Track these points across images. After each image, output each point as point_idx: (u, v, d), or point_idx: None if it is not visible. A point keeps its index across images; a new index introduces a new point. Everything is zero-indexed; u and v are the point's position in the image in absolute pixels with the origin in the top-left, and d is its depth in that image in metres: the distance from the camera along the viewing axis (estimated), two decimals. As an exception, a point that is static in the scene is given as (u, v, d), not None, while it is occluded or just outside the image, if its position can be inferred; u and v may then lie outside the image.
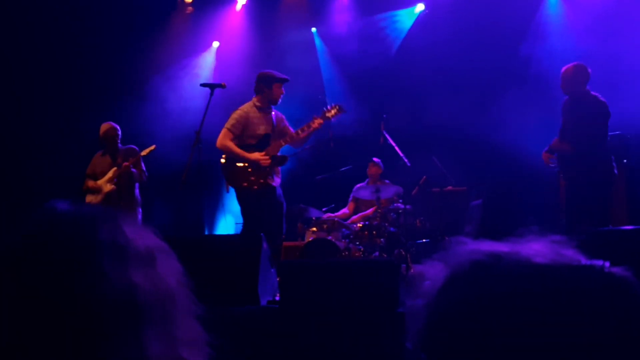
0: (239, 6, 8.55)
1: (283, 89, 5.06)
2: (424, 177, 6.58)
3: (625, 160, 5.62)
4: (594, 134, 4.60)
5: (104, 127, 5.82)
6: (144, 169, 5.83)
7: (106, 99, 7.07)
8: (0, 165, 7.01)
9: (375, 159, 6.74)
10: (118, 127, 5.88)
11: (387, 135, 6.28)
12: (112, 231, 0.72)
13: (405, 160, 6.11)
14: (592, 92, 4.71)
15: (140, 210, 5.81)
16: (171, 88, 8.02)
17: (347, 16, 8.25)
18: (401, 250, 5.87)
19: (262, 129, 5.01)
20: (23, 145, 7.16)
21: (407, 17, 8.37)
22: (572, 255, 0.65)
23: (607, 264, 0.63)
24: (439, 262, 0.73)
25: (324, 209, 6.77)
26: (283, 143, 5.03)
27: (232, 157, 4.95)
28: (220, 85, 5.02)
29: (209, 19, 8.40)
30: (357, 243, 5.91)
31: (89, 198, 5.77)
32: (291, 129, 5.12)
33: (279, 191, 5.07)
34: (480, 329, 0.62)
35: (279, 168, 5.10)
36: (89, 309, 0.65)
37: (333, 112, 5.01)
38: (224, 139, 4.93)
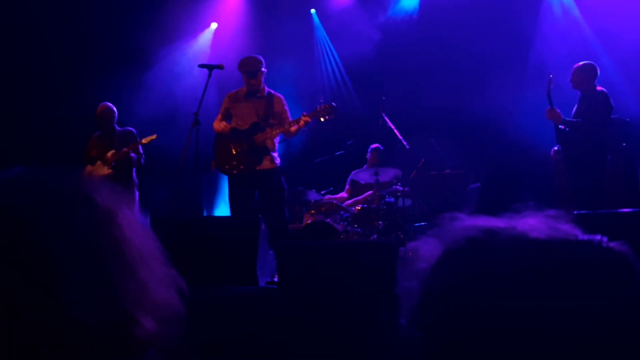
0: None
1: (255, 79, 5.00)
2: (422, 160, 6.57)
3: (624, 144, 5.62)
4: (595, 123, 4.89)
5: (100, 107, 5.79)
6: (142, 152, 5.82)
7: (103, 79, 7.02)
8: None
9: (374, 146, 6.70)
10: (114, 108, 5.84)
11: (385, 118, 6.26)
12: (76, 182, 0.72)
13: (404, 142, 6.09)
14: (598, 87, 5.04)
15: (137, 192, 5.80)
16: (169, 68, 7.97)
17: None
18: (399, 233, 5.88)
19: (250, 115, 5.00)
20: (20, 128, 7.13)
21: (408, 0, 8.29)
22: (568, 230, 0.65)
23: (605, 239, 0.62)
24: (434, 238, 0.73)
25: (322, 192, 6.77)
26: (274, 133, 4.96)
27: (219, 136, 5.01)
28: (218, 67, 4.99)
29: (207, 0, 8.31)
30: (356, 226, 5.93)
31: (86, 180, 5.77)
32: (289, 116, 5.07)
33: (273, 174, 4.99)
34: (475, 306, 0.61)
35: (272, 154, 5.02)
36: (52, 252, 0.64)
37: (323, 110, 4.94)
38: (215, 124, 5.08)
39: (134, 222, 0.74)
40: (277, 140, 5.15)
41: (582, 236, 0.63)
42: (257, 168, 4.94)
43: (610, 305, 0.58)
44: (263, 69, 5.05)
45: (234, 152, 4.96)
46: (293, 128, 4.94)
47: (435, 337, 0.63)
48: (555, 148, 5.33)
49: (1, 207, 0.66)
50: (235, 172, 4.94)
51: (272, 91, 5.15)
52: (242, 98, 5.08)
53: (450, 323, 0.62)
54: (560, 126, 5.01)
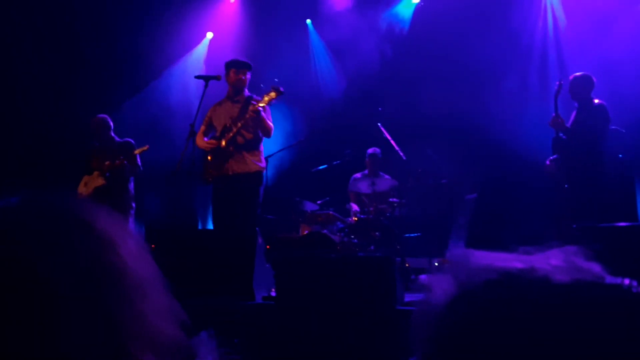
0: (233, -3, 8.47)
1: (244, 76, 4.94)
2: (419, 170, 6.56)
3: (620, 155, 5.63)
4: (594, 136, 4.97)
5: (95, 120, 5.79)
6: (139, 163, 5.78)
7: (99, 90, 6.99)
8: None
9: (371, 151, 6.68)
10: (108, 119, 5.82)
11: (382, 129, 6.26)
12: (77, 209, 0.70)
13: (401, 153, 6.08)
14: (596, 99, 5.12)
15: (134, 204, 5.76)
16: (165, 80, 7.95)
17: (342, 8, 8.18)
18: (396, 243, 5.86)
19: (225, 118, 4.93)
20: (18, 140, 7.09)
21: (403, 8, 8.31)
22: (593, 271, 0.61)
23: (635, 283, 0.59)
24: (448, 275, 0.70)
25: (318, 202, 6.74)
26: (237, 139, 4.81)
27: (206, 151, 4.91)
28: (215, 77, 4.98)
29: (203, 10, 8.31)
30: (352, 237, 5.90)
31: (80, 189, 5.73)
32: (265, 117, 4.86)
33: (244, 180, 4.82)
34: (491, 353, 0.59)
35: (246, 157, 4.86)
36: (50, 282, 0.62)
37: (267, 97, 4.76)
38: (197, 138, 4.91)
39: (133, 249, 0.72)
40: (255, 141, 4.95)
41: (609, 279, 0.60)
42: (229, 173, 4.81)
43: None
44: (249, 72, 5.02)
45: (209, 159, 4.90)
46: (253, 122, 4.75)
47: None
48: (552, 158, 5.33)
49: None
50: (210, 179, 4.86)
51: (255, 95, 5.04)
52: (222, 103, 5.07)
53: None
54: (561, 134, 5.03)
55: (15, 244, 0.64)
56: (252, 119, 4.74)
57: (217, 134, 4.95)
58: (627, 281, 0.59)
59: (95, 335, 0.63)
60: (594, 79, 5.19)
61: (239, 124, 4.80)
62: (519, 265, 0.65)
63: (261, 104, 4.73)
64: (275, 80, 4.97)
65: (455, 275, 0.69)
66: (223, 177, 4.83)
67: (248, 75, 5.03)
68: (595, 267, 0.62)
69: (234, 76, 4.95)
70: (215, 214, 4.91)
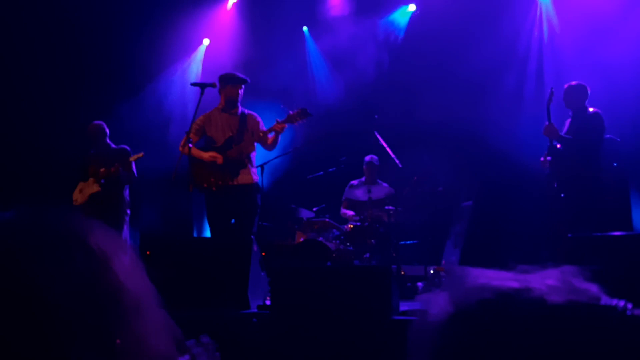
0: (229, 5, 8.48)
1: (240, 90, 5.06)
2: (415, 177, 6.57)
3: (615, 164, 5.66)
4: (588, 145, 4.98)
5: (91, 126, 5.78)
6: (134, 169, 5.77)
7: (94, 97, 6.98)
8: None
9: (368, 158, 6.68)
10: (104, 125, 5.81)
11: (378, 136, 6.27)
12: (72, 225, 0.69)
13: (397, 161, 6.09)
14: (590, 108, 5.15)
15: (128, 211, 5.74)
16: (161, 86, 7.94)
17: (338, 16, 8.21)
18: (392, 251, 5.86)
19: (225, 130, 5.03)
20: (15, 145, 7.07)
21: (399, 17, 8.34)
22: (590, 292, 0.61)
23: (630, 305, 0.59)
24: (444, 293, 0.70)
25: (314, 209, 6.74)
26: (249, 144, 4.95)
27: (192, 159, 4.92)
28: (211, 85, 4.98)
29: (199, 17, 8.32)
30: (348, 244, 5.89)
31: (75, 196, 5.70)
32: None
33: (248, 190, 4.98)
34: None
35: (250, 169, 5.03)
36: (46, 298, 0.62)
37: (297, 115, 4.93)
38: (182, 144, 4.95)
39: (127, 266, 0.72)
40: (253, 155, 5.12)
41: (604, 300, 0.60)
42: (234, 183, 4.93)
43: None
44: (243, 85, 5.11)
45: (205, 168, 4.94)
46: (270, 137, 4.94)
47: None
48: (549, 158, 5.34)
49: None
50: (214, 188, 4.91)
51: (246, 110, 5.19)
52: (216, 114, 5.11)
53: None
54: (555, 143, 5.05)
55: (10, 259, 0.63)
56: (265, 135, 4.92)
57: (218, 144, 5.00)
58: (621, 303, 0.58)
59: (91, 352, 0.63)
60: (588, 88, 5.23)
61: (252, 137, 4.93)
62: (514, 285, 0.65)
63: (286, 123, 4.89)
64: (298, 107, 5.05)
65: (452, 293, 0.69)
66: (227, 187, 4.91)
67: (242, 90, 5.13)
68: (593, 288, 0.61)
69: (232, 90, 5.03)
70: (217, 223, 4.96)
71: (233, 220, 4.98)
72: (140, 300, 0.70)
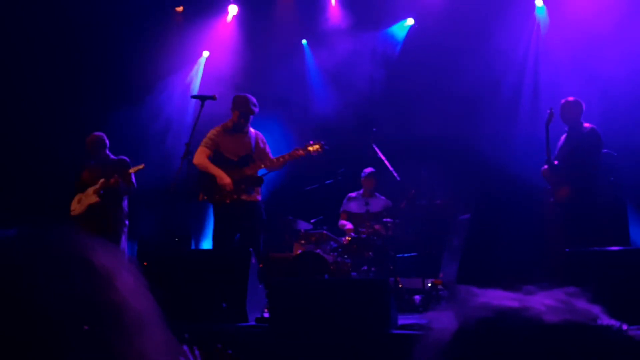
0: (229, 17, 8.54)
1: (241, 118, 5.20)
2: (413, 190, 6.58)
3: (612, 179, 5.68)
4: (586, 162, 5.08)
5: (90, 137, 5.78)
6: (134, 181, 5.77)
7: (96, 109, 7.00)
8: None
9: (367, 171, 6.69)
10: (104, 137, 5.82)
11: (376, 149, 6.29)
12: (76, 243, 0.70)
13: (395, 174, 6.11)
14: (585, 124, 5.24)
15: (127, 222, 5.74)
16: (161, 99, 7.97)
17: (337, 29, 8.26)
18: (389, 263, 5.86)
19: (240, 148, 5.21)
20: (14, 155, 7.07)
21: (397, 31, 8.40)
22: (586, 312, 0.63)
23: (625, 326, 0.60)
24: (449, 312, 0.72)
25: (312, 221, 6.74)
26: (262, 166, 5.19)
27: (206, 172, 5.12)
28: (211, 97, 5.01)
29: (199, 29, 8.37)
30: (346, 256, 5.89)
31: (73, 206, 5.70)
32: (270, 153, 5.33)
33: (257, 207, 5.19)
34: None
35: (259, 188, 5.26)
36: (50, 318, 0.62)
37: (315, 147, 5.17)
38: (199, 156, 5.14)
39: (131, 284, 0.72)
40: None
41: (601, 320, 0.61)
42: (246, 199, 5.09)
43: None
44: (256, 110, 5.28)
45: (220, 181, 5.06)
46: (282, 162, 5.17)
47: None
48: (546, 167, 5.41)
49: None
50: (227, 201, 5.04)
51: (253, 129, 5.38)
52: (229, 131, 5.25)
53: None
54: (554, 161, 5.11)
55: (11, 277, 0.64)
56: (280, 161, 5.17)
57: (234, 160, 5.16)
58: (617, 323, 0.60)
59: None
60: (583, 104, 5.30)
61: (268, 162, 5.17)
62: (513, 304, 0.66)
63: (302, 152, 5.16)
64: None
65: (455, 311, 0.70)
66: (239, 201, 5.08)
67: (255, 112, 5.33)
68: (594, 309, 0.63)
69: (236, 118, 5.19)
70: (224, 235, 5.10)
71: (238, 235, 5.18)
72: (142, 318, 0.70)
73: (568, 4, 7.17)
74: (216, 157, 5.20)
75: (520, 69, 7.60)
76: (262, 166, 5.18)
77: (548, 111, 5.24)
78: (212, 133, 5.26)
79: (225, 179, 5.02)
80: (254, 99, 5.29)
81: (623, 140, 5.99)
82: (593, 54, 6.78)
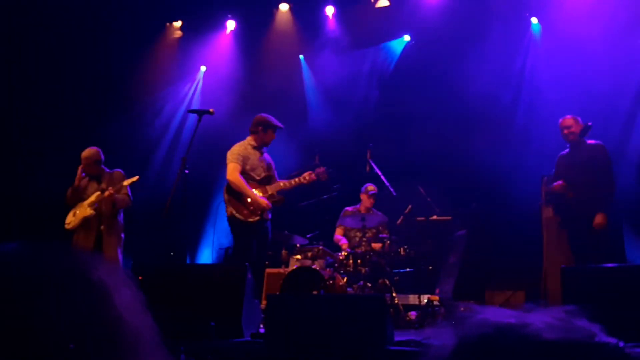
0: (227, 31, 8.60)
1: (275, 134, 5.46)
2: (410, 206, 6.59)
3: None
4: (593, 179, 5.12)
5: (85, 152, 5.74)
6: (129, 193, 5.75)
7: (93, 123, 7.01)
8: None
9: (370, 189, 6.68)
10: (100, 152, 5.80)
11: (373, 164, 6.30)
12: (71, 260, 0.70)
13: (391, 189, 6.12)
14: (590, 141, 5.32)
15: (123, 235, 5.71)
16: (158, 113, 7.98)
17: (334, 45, 8.33)
18: (385, 279, 5.84)
19: (262, 167, 5.43)
20: (9, 168, 7.05)
21: (394, 47, 8.47)
22: (585, 329, 0.63)
23: (622, 343, 0.60)
24: (449, 328, 0.72)
25: (308, 236, 6.72)
26: (282, 186, 5.41)
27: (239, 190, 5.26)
28: (208, 112, 5.02)
29: (198, 44, 8.42)
30: (342, 272, 5.87)
31: (69, 219, 5.67)
32: (276, 174, 5.56)
33: (269, 224, 5.44)
34: None
35: None
36: (47, 334, 0.62)
37: (323, 175, 5.47)
38: (234, 173, 5.28)
39: (130, 302, 0.72)
40: None
41: (599, 337, 0.62)
42: (266, 217, 5.35)
43: None
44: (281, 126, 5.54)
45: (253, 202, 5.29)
46: (294, 185, 5.43)
47: None
48: (545, 177, 5.47)
49: None
50: (258, 218, 5.24)
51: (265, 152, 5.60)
52: (250, 150, 5.43)
53: None
54: (559, 180, 5.18)
55: (9, 293, 0.64)
56: (292, 184, 5.44)
57: (257, 179, 5.37)
58: (614, 340, 0.60)
59: None
60: (581, 120, 5.35)
61: (282, 185, 5.44)
62: (512, 320, 0.67)
63: (314, 177, 5.46)
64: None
65: (455, 329, 0.71)
66: (264, 219, 5.33)
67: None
68: (594, 327, 0.63)
69: (272, 135, 5.43)
70: (251, 251, 5.24)
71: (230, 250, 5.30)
72: (140, 335, 0.70)
73: (563, 21, 7.25)
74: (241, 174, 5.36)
75: (515, 86, 7.66)
76: (282, 186, 5.37)
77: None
78: (239, 150, 5.37)
79: (263, 202, 5.23)
80: (276, 120, 5.50)
81: (617, 158, 6.02)
82: (588, 69, 6.83)
